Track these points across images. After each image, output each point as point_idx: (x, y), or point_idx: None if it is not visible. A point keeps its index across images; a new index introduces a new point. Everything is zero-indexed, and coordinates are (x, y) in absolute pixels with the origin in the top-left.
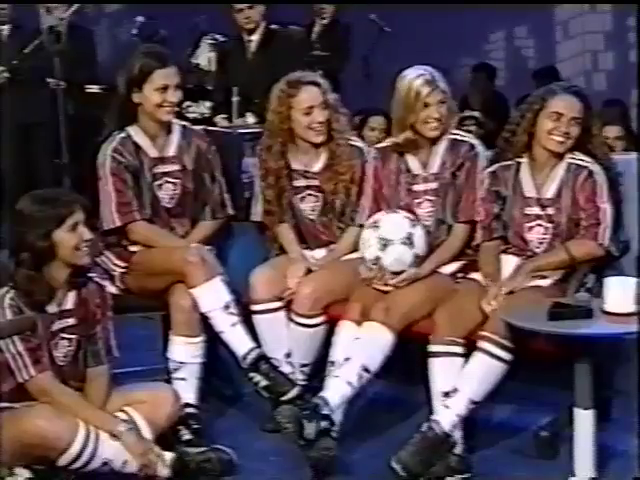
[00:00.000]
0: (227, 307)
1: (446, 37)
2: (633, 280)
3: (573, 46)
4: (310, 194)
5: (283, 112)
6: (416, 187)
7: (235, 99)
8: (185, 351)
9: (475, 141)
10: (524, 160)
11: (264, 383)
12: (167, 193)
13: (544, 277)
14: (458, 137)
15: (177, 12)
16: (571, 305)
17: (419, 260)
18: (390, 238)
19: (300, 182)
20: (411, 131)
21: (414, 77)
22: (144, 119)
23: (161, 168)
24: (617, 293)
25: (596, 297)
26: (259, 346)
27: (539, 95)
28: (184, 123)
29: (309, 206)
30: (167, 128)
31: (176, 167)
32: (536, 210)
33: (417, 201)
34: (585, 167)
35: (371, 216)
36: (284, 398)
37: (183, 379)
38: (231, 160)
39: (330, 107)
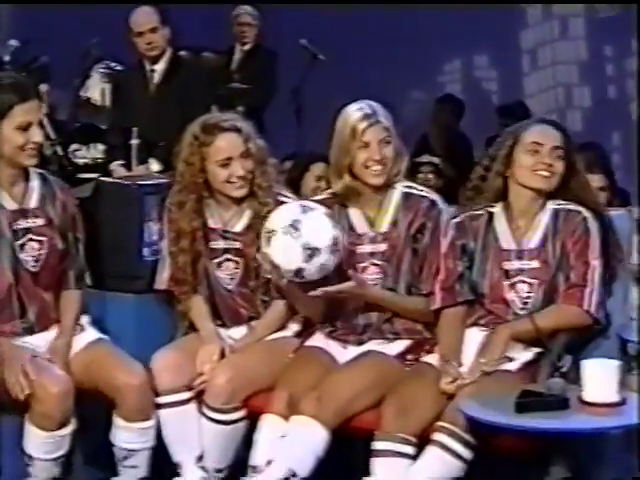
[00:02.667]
0: None
1: (393, 66)
2: (615, 363)
3: (542, 78)
4: (229, 259)
5: (196, 163)
6: (360, 249)
7: (135, 142)
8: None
9: (435, 196)
10: (497, 209)
11: None
12: (31, 254)
13: (510, 359)
14: (414, 190)
15: (66, 33)
16: (543, 394)
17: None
18: (271, 228)
19: (218, 244)
20: (350, 177)
21: (351, 111)
22: None
23: (22, 223)
24: (598, 379)
25: (573, 384)
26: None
27: (510, 132)
28: (40, 170)
29: (227, 274)
30: (24, 175)
31: (40, 221)
32: (516, 264)
33: (362, 265)
34: (578, 212)
35: None
36: None
37: (134, 467)
38: (130, 222)
39: (253, 157)
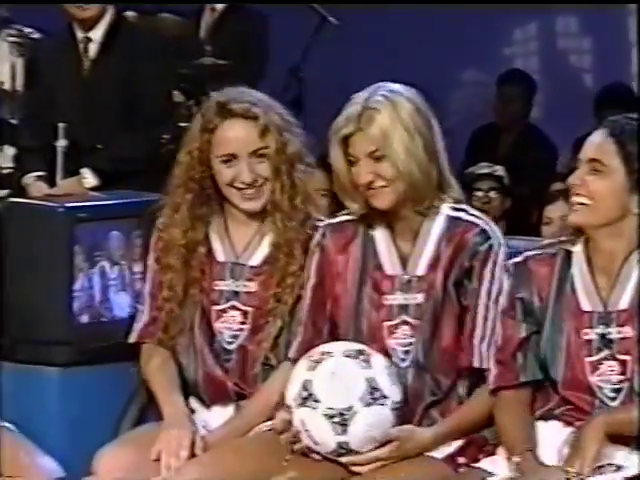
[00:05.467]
0: None
1: (433, 33)
2: None
3: None
4: (235, 307)
5: (197, 152)
6: (389, 299)
7: (61, 143)
8: None
9: (487, 223)
10: (578, 247)
11: None
12: None
13: (618, 467)
14: (462, 214)
15: None
16: None
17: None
18: (317, 396)
19: (222, 284)
20: (358, 195)
21: (350, 105)
22: None
23: None
24: None
25: None
26: None
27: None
28: None
29: (229, 329)
30: None
31: None
32: (599, 331)
33: (388, 324)
34: None
35: (308, 347)
36: None
37: None
38: (53, 264)
39: (275, 159)
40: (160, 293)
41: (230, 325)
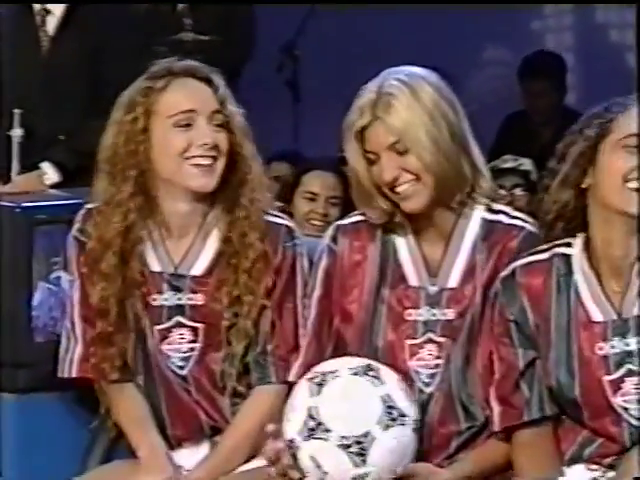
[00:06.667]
0: None
1: (444, 6)
2: None
3: None
4: (181, 324)
5: (137, 120)
6: (412, 314)
7: (16, 133)
8: None
9: (533, 225)
10: (576, 249)
11: None
12: None
13: None
14: (502, 216)
15: None
16: None
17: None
18: (327, 425)
19: (162, 298)
20: (385, 200)
21: (362, 95)
22: None
23: None
24: None
25: None
26: None
27: (595, 116)
28: None
29: (178, 350)
30: None
31: None
32: (619, 345)
33: (411, 343)
34: None
35: (310, 367)
36: None
37: None
38: (9, 282)
39: (229, 130)
40: (92, 315)
41: (178, 346)
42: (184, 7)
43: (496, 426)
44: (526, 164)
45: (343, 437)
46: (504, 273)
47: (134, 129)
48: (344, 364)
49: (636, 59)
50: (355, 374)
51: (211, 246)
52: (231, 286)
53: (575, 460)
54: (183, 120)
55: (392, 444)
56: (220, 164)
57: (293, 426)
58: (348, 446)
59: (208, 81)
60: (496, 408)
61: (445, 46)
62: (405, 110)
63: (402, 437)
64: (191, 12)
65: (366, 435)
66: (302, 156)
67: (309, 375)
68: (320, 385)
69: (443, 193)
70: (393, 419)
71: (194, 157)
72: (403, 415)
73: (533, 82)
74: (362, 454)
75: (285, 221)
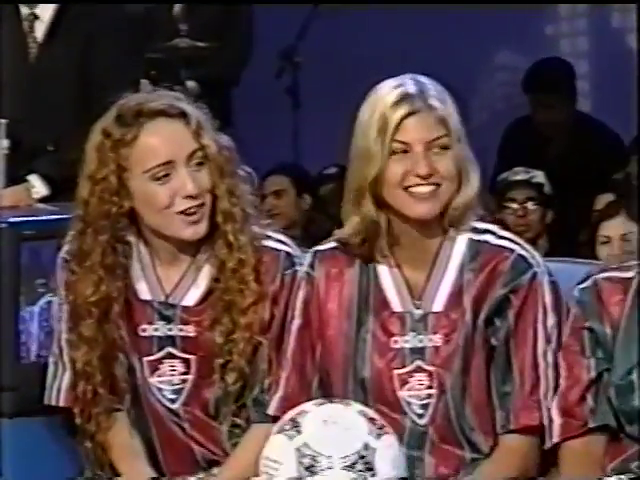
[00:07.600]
0: None
1: (451, 9)
2: None
3: None
4: (173, 355)
5: (109, 178)
6: (397, 341)
7: (2, 144)
8: None
9: (523, 247)
10: None
11: None
12: None
13: None
14: (488, 236)
15: None
16: None
17: None
18: (323, 453)
19: (152, 329)
20: (375, 207)
21: (385, 92)
22: None
23: None
24: None
25: None
26: None
27: None
28: None
29: (169, 383)
30: None
31: None
32: None
33: (400, 372)
34: None
35: (291, 404)
36: None
37: None
38: None
39: (212, 164)
40: (75, 351)
41: (170, 378)
42: (179, 12)
43: (555, 437)
44: (539, 176)
45: (345, 457)
46: (584, 284)
47: (108, 188)
48: (304, 405)
49: (636, 59)
50: (322, 404)
51: (203, 278)
52: (225, 324)
53: (618, 472)
54: (161, 172)
55: (390, 452)
56: (207, 208)
57: (286, 474)
58: (353, 465)
59: (182, 115)
60: (557, 420)
61: (454, 52)
62: (443, 107)
63: (395, 444)
64: (187, 17)
65: (366, 447)
66: (302, 169)
67: (275, 430)
68: (295, 427)
69: (449, 208)
70: (380, 427)
71: (182, 211)
72: (384, 425)
73: (539, 95)
74: (370, 468)
75: (285, 247)
